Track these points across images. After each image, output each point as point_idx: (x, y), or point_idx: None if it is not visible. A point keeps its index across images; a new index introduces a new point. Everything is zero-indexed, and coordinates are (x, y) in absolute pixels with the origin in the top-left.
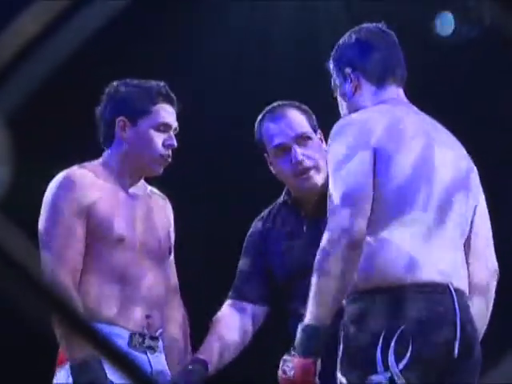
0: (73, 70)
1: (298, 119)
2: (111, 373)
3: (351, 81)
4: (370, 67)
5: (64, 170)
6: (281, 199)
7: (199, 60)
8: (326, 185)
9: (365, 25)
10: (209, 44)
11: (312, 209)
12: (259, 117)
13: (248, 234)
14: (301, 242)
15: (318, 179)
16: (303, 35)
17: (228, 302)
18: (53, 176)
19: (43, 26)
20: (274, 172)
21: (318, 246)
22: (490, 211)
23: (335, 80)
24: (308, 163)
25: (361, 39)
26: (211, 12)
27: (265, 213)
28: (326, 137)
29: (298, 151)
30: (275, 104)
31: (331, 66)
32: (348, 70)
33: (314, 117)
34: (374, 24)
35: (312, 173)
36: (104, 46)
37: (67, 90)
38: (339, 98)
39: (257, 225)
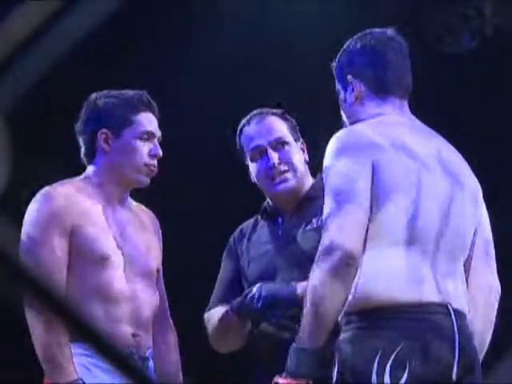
0: (64, 71)
1: (275, 124)
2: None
3: (353, 89)
4: (373, 77)
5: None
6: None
7: (197, 61)
8: (304, 193)
9: (372, 30)
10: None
11: (290, 217)
12: (240, 125)
13: (227, 246)
14: (274, 252)
15: (293, 182)
16: (307, 37)
17: (212, 311)
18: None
19: (35, 26)
20: (253, 180)
21: (292, 255)
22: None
23: (337, 85)
24: (282, 167)
25: (366, 46)
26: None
27: (242, 226)
28: (325, 139)
29: (273, 155)
30: (256, 111)
31: (335, 70)
32: (350, 78)
33: (297, 127)
34: (383, 30)
35: (286, 175)
36: (96, 47)
37: (60, 91)
38: (340, 104)
39: (232, 237)
